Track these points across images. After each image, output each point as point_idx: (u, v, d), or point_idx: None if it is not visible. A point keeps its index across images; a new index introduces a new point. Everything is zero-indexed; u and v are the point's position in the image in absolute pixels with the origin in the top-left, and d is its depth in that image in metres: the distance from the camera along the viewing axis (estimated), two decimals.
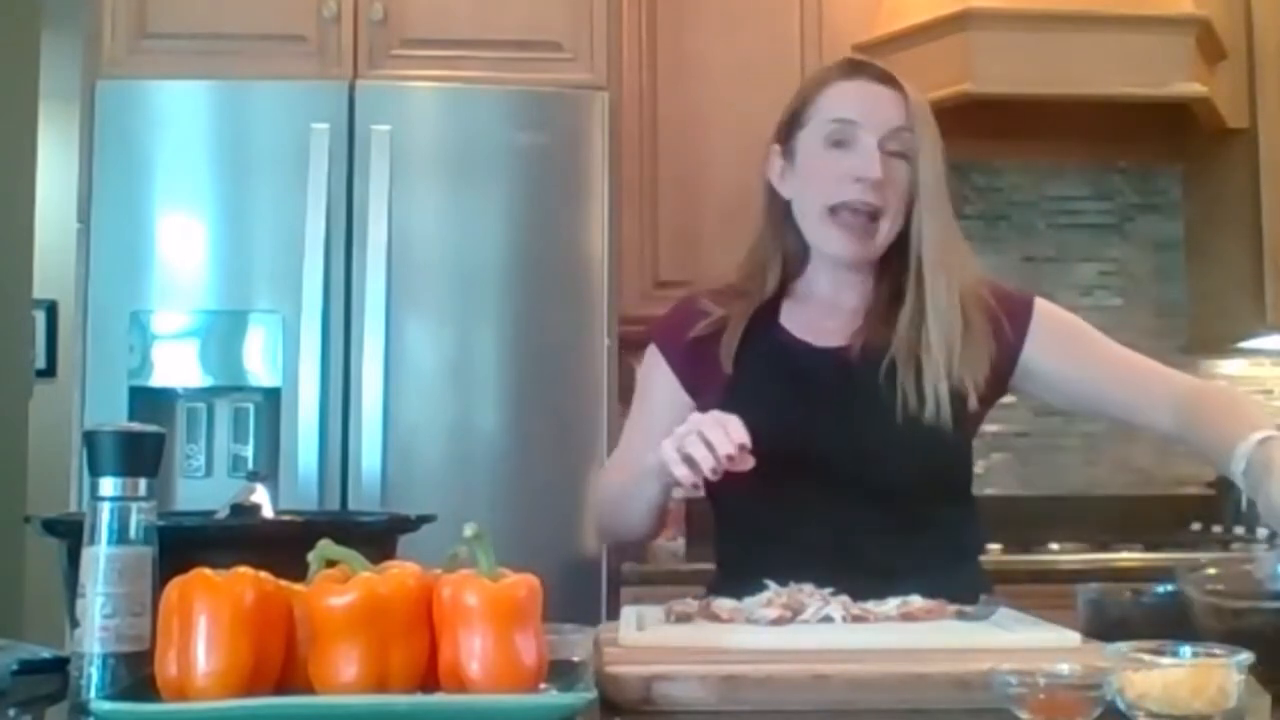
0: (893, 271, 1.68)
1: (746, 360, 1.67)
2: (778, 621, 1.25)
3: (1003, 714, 1.00)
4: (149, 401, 2.60)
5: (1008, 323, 1.66)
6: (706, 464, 1.41)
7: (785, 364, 1.67)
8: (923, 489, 1.61)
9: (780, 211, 1.71)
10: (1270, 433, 1.41)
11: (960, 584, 1.45)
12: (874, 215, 1.62)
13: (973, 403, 1.61)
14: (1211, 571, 1.24)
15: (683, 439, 1.43)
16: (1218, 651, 1.01)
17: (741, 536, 1.68)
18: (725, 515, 1.71)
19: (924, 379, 1.59)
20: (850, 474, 1.58)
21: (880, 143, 1.62)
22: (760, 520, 1.63)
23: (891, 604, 1.32)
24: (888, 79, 1.66)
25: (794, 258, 1.72)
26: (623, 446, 1.75)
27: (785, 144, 1.70)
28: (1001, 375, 1.66)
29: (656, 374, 1.73)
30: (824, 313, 1.69)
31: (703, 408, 1.63)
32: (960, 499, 1.69)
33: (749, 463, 1.43)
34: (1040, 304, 1.70)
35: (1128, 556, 2.83)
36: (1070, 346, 1.69)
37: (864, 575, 1.38)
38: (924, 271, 1.62)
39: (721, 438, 1.41)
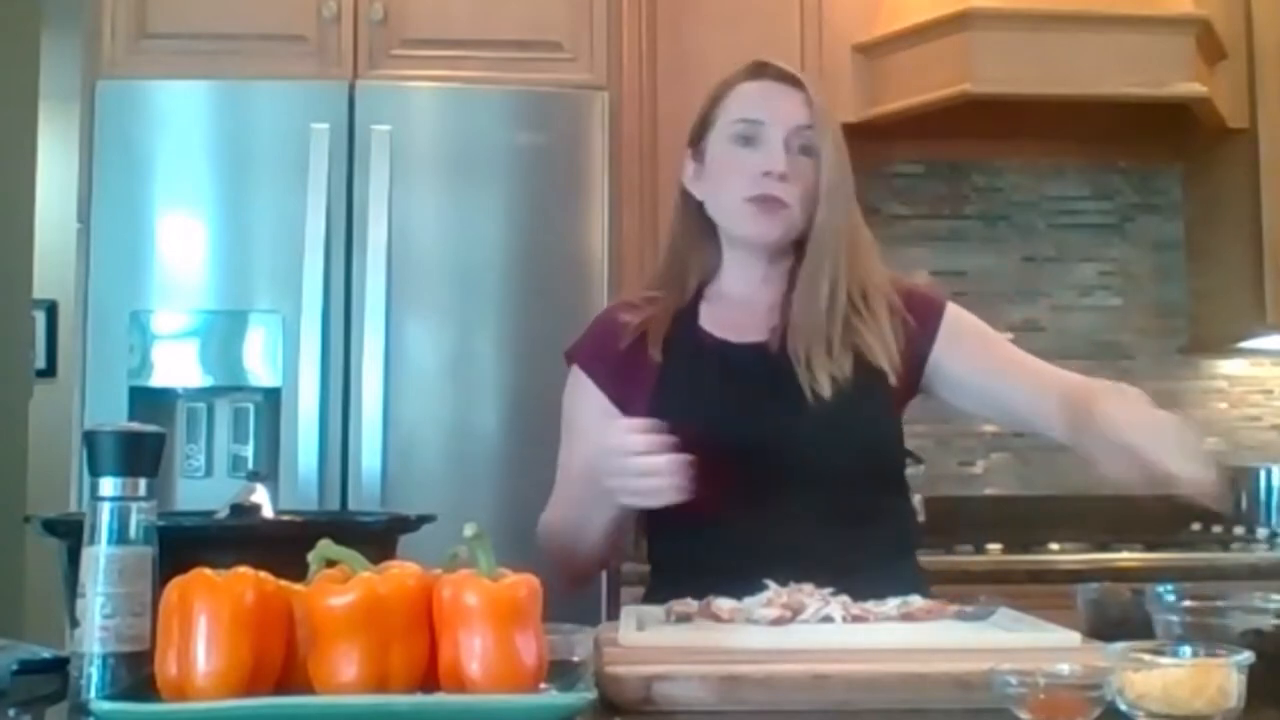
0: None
1: (670, 361, 1.67)
2: (778, 621, 1.25)
3: (1003, 714, 1.00)
4: (149, 401, 2.60)
5: (918, 322, 1.68)
6: (666, 496, 1.42)
7: (708, 362, 1.68)
8: (854, 474, 1.61)
9: (694, 215, 1.74)
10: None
11: (904, 580, 1.46)
12: (783, 207, 1.66)
13: (890, 378, 1.62)
14: (1187, 603, 1.24)
15: (624, 479, 1.44)
16: (1218, 651, 1.02)
17: (676, 536, 1.66)
18: (658, 515, 1.69)
19: (833, 361, 1.61)
20: (779, 463, 1.58)
21: (785, 140, 1.66)
22: (695, 518, 1.60)
23: (891, 604, 1.32)
24: (791, 79, 1.71)
25: (709, 261, 1.75)
26: (561, 480, 1.74)
27: (696, 147, 1.74)
28: (912, 374, 1.68)
29: (582, 397, 1.73)
30: (741, 311, 1.71)
31: (633, 415, 1.61)
32: (894, 488, 1.70)
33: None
34: (952, 307, 1.73)
35: (1128, 556, 2.82)
36: (978, 350, 1.71)
37: (804, 570, 1.37)
38: (823, 260, 1.66)
39: (660, 464, 1.41)
